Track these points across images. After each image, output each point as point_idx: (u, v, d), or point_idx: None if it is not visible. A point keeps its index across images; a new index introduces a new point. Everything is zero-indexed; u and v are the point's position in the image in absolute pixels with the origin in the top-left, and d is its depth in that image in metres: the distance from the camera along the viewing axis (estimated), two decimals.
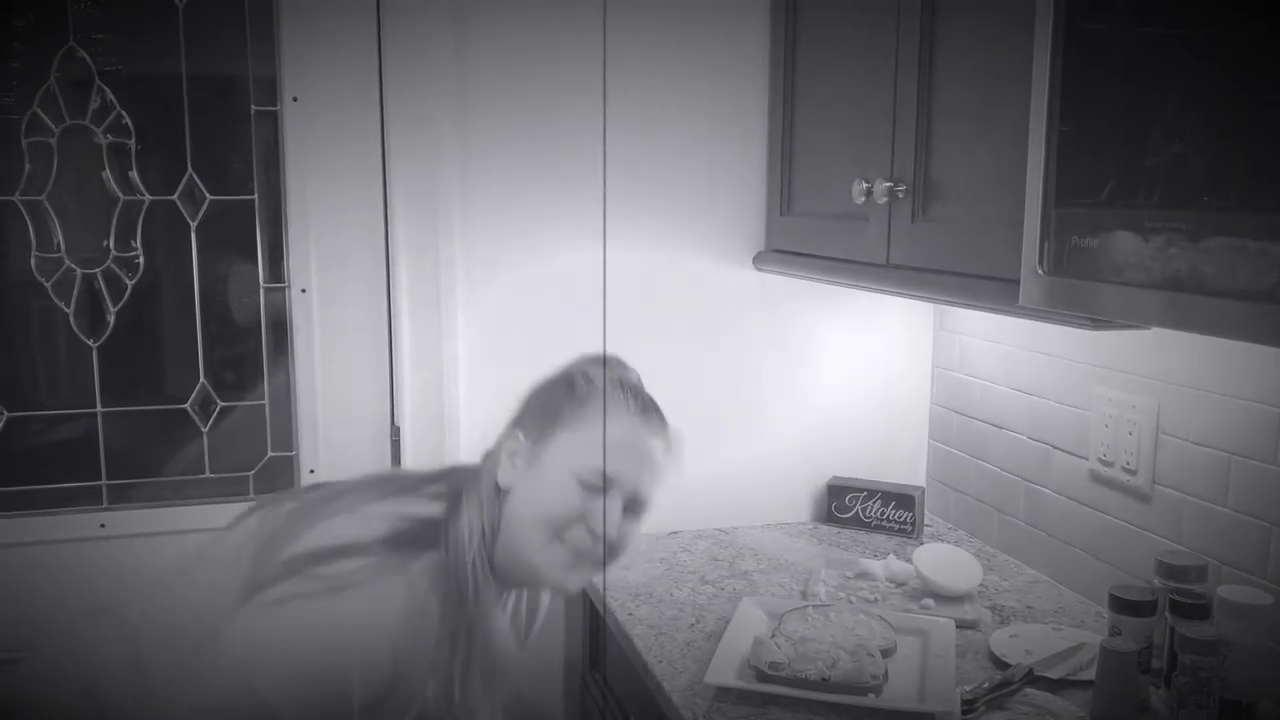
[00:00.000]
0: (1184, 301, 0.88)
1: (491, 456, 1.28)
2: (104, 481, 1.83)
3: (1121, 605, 1.32)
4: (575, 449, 1.23)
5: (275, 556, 1.14)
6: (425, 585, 1.14)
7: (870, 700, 1.30)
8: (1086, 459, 1.65)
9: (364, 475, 1.30)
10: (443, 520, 1.20)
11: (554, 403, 1.27)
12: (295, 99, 1.78)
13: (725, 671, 1.37)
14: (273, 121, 1.81)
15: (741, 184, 1.93)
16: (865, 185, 1.49)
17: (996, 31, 1.26)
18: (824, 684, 1.31)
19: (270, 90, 1.81)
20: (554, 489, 1.22)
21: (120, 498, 1.83)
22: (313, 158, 1.80)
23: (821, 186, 1.75)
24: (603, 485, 1.22)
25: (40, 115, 1.73)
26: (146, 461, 1.85)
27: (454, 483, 1.26)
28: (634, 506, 1.27)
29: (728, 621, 1.53)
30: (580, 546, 1.23)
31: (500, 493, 1.25)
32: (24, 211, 1.74)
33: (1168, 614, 1.28)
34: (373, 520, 1.18)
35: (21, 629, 1.76)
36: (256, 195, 1.84)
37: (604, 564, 1.24)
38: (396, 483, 1.28)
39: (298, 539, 1.16)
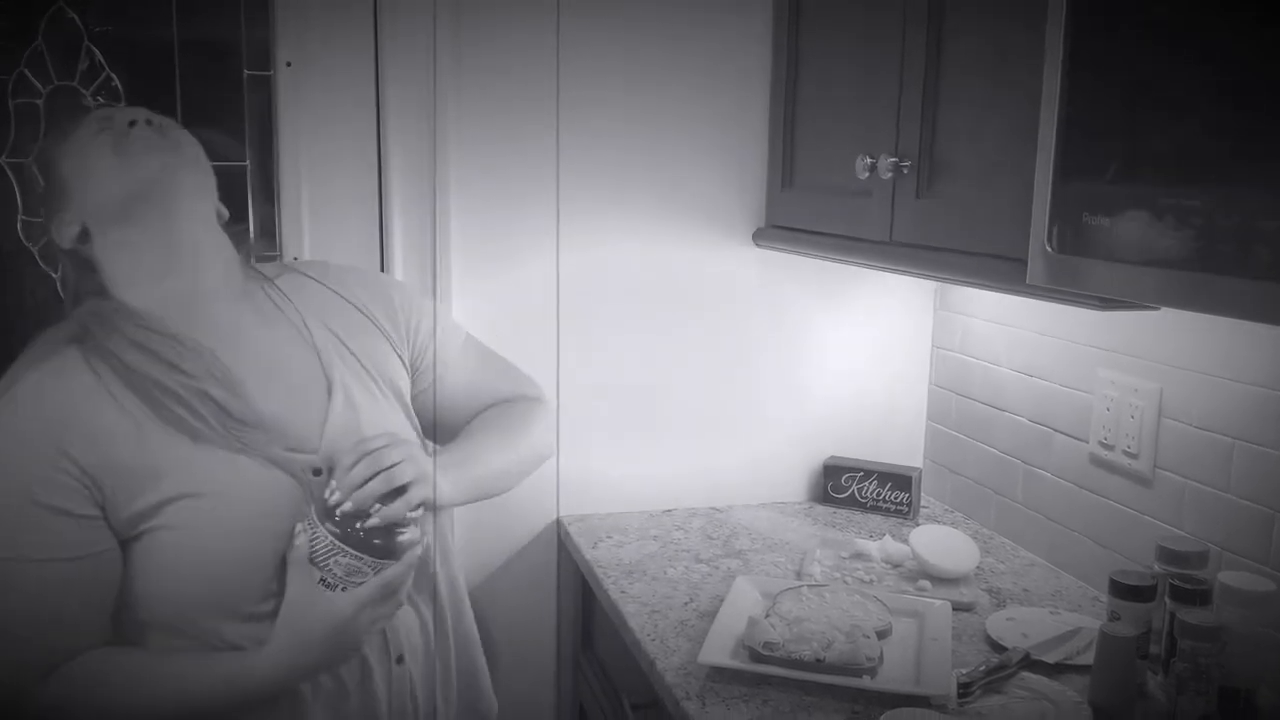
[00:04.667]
0: (1196, 281, 0.86)
1: None
2: None
3: (1121, 590, 1.31)
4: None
5: None
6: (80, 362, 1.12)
7: (865, 682, 1.28)
8: (1087, 442, 1.63)
9: None
10: None
11: None
12: (289, 64, 1.74)
13: (719, 651, 1.35)
14: (266, 87, 1.78)
15: (742, 158, 1.90)
16: (869, 160, 1.46)
17: (1007, 3, 1.23)
18: (819, 665, 1.30)
19: (264, 54, 1.77)
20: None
21: None
22: (307, 125, 1.76)
23: (824, 161, 1.72)
24: None
25: (27, 76, 1.69)
26: None
27: None
28: None
29: (722, 601, 1.51)
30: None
31: None
32: (10, 175, 1.71)
33: (1168, 599, 1.27)
34: None
35: None
36: (249, 162, 1.80)
37: None
38: None
39: None
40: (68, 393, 1.10)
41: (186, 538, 1.11)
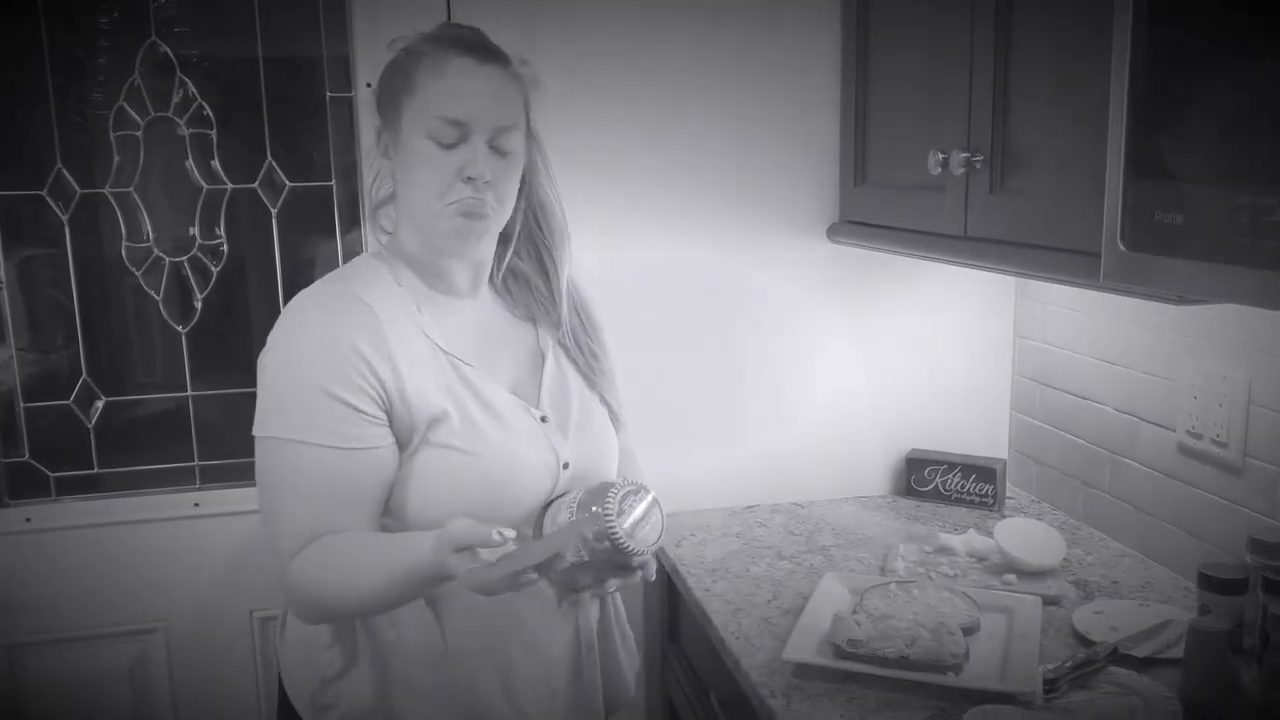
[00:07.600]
0: (1269, 279, 0.85)
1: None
2: (196, 462, 1.89)
3: (1211, 583, 1.29)
4: (419, 110, 1.22)
5: None
6: None
7: (950, 679, 1.29)
8: (1175, 431, 1.60)
9: None
10: None
11: (391, 79, 1.27)
12: (369, 85, 1.79)
13: (804, 648, 1.37)
14: (348, 108, 1.84)
15: (815, 154, 1.91)
16: (941, 156, 1.46)
17: None
18: (903, 662, 1.31)
19: (344, 77, 1.83)
20: (417, 154, 1.23)
21: (212, 477, 1.89)
22: None
23: (897, 156, 1.72)
24: (459, 135, 1.21)
25: (126, 109, 1.77)
26: (235, 442, 1.91)
27: None
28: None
29: (806, 597, 1.53)
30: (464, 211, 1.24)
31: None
32: (114, 203, 1.80)
33: (1260, 592, 1.25)
34: None
35: (134, 602, 1.85)
36: (334, 181, 1.87)
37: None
38: None
39: None
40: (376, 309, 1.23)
41: (457, 459, 1.22)
